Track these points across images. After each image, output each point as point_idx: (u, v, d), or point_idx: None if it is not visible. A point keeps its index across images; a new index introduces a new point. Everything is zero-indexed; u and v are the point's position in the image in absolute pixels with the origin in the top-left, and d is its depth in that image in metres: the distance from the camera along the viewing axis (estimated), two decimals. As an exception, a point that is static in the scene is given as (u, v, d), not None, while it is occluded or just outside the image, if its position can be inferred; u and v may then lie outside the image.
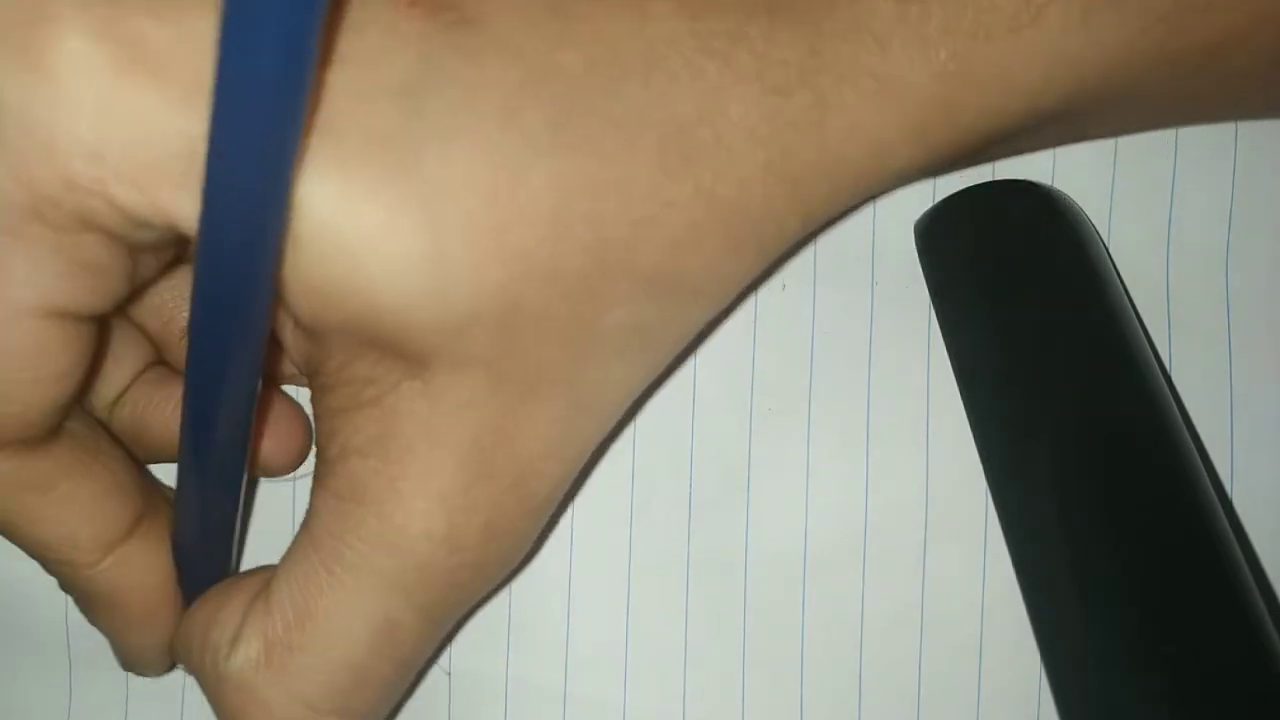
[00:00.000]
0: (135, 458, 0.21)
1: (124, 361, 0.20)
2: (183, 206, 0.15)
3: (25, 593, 0.23)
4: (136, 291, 0.18)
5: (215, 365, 0.16)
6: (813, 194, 0.17)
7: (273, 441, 0.21)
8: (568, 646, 0.22)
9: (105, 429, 0.20)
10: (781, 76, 0.17)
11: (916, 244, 0.22)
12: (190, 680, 0.22)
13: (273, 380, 0.22)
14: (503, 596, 0.22)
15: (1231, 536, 0.18)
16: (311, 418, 0.20)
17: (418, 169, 0.15)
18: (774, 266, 0.21)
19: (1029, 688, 0.21)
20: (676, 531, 0.22)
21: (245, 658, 0.18)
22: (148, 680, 0.22)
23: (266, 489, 0.23)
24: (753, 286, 0.22)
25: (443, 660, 0.22)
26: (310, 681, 0.18)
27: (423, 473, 0.17)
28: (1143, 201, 0.22)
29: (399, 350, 0.16)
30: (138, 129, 0.14)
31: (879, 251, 0.22)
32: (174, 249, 0.17)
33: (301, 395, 0.22)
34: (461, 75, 0.15)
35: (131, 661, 0.21)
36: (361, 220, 0.15)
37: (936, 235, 0.21)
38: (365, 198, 0.15)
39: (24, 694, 0.23)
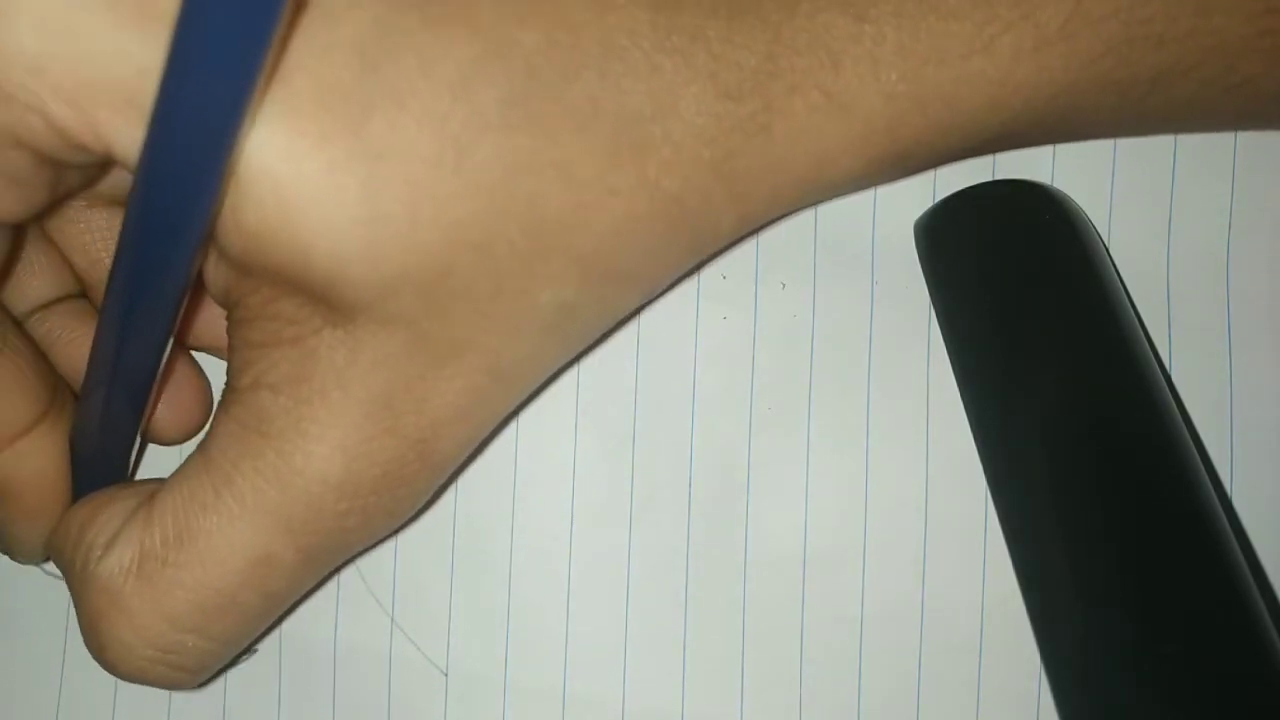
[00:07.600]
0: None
1: (43, 277, 0.20)
2: (120, 133, 0.15)
3: (22, 587, 0.23)
4: (56, 202, 0.17)
5: (139, 283, 0.16)
6: (752, 195, 0.18)
7: (172, 409, 0.21)
8: (566, 646, 0.22)
9: (18, 328, 0.20)
10: (735, 80, 0.17)
11: (916, 243, 0.22)
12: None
13: (193, 312, 0.22)
14: (501, 596, 0.22)
15: (1231, 536, 0.18)
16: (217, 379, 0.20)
17: (365, 129, 0.15)
18: (711, 259, 0.21)
19: (1029, 688, 0.21)
20: (676, 531, 0.22)
21: (117, 562, 0.18)
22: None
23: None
24: (752, 286, 0.22)
25: (439, 660, 0.22)
26: (176, 599, 0.18)
27: (330, 419, 0.17)
28: (1143, 201, 0.22)
29: (326, 299, 0.16)
30: (83, 45, 0.14)
31: (879, 251, 0.22)
32: (102, 171, 0.17)
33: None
34: (419, 41, 0.16)
35: (9, 548, 0.21)
36: (303, 172, 0.15)
37: (936, 235, 0.21)
38: (310, 151, 0.15)
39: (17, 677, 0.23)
